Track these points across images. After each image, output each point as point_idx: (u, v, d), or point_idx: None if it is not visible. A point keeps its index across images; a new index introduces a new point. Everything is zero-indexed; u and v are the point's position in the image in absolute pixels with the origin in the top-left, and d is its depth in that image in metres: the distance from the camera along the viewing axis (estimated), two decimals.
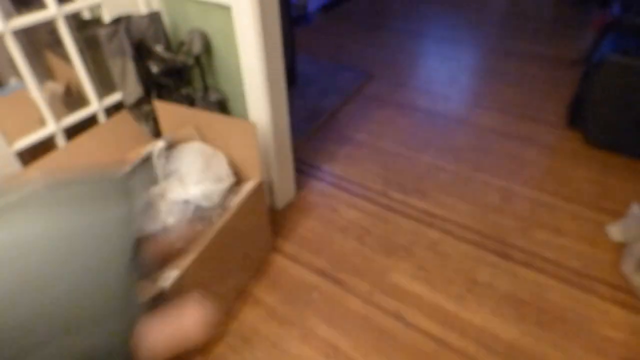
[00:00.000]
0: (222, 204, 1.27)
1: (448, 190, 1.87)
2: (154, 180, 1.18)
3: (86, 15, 1.47)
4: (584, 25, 3.42)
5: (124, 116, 1.45)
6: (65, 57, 1.39)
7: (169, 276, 1.06)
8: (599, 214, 1.71)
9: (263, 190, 1.42)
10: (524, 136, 2.20)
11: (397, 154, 2.10)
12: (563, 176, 1.92)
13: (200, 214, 1.19)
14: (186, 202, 1.15)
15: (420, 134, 2.25)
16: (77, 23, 1.43)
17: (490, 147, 2.13)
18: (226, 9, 1.33)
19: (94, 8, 1.41)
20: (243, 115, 1.57)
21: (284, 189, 1.77)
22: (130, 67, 1.35)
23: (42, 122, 1.33)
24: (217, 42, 1.44)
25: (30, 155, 1.31)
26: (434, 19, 3.75)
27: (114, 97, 1.48)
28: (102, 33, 1.30)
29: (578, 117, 2.13)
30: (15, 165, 1.25)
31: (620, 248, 1.55)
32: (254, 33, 1.30)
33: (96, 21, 1.44)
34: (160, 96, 1.48)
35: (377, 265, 1.54)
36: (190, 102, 1.53)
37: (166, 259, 1.07)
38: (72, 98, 1.66)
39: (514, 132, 2.23)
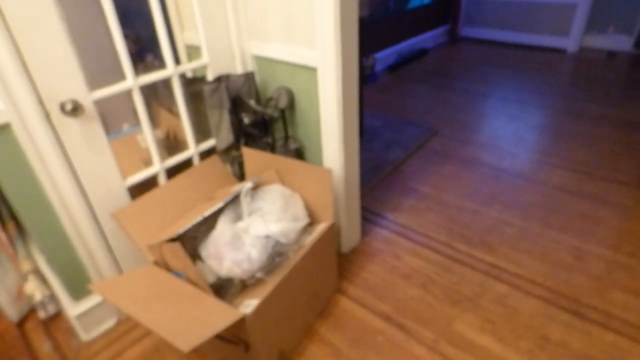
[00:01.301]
0: (298, 242, 1.37)
1: (515, 245, 1.85)
2: (240, 216, 1.32)
3: (190, 74, 1.73)
4: None
5: (214, 160, 1.65)
6: (167, 107, 1.65)
7: (250, 304, 1.16)
8: None
9: (334, 232, 1.52)
10: (596, 195, 2.14)
11: (462, 207, 2.13)
12: (639, 236, 1.84)
13: (278, 249, 1.31)
14: (267, 237, 1.27)
15: (485, 189, 2.26)
16: (184, 80, 1.70)
17: (559, 205, 2.10)
18: (312, 70, 1.52)
19: (200, 68, 1.67)
20: (317, 163, 1.72)
21: (351, 234, 1.86)
22: (226, 118, 1.57)
23: (147, 163, 1.56)
24: (300, 98, 1.63)
25: (136, 190, 1.52)
26: (498, 81, 3.83)
27: (208, 143, 1.69)
28: (206, 89, 1.54)
29: None
30: (126, 198, 1.46)
31: None
32: (335, 91, 1.47)
33: (200, 79, 1.69)
34: (247, 143, 1.68)
35: (442, 314, 1.54)
36: (272, 149, 1.71)
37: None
38: (170, 143, 1.92)
39: (585, 191, 2.18)
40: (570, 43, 4.44)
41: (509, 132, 2.86)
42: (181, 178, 1.55)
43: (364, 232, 1.99)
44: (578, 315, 1.50)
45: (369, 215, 2.11)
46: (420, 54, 4.59)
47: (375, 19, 3.97)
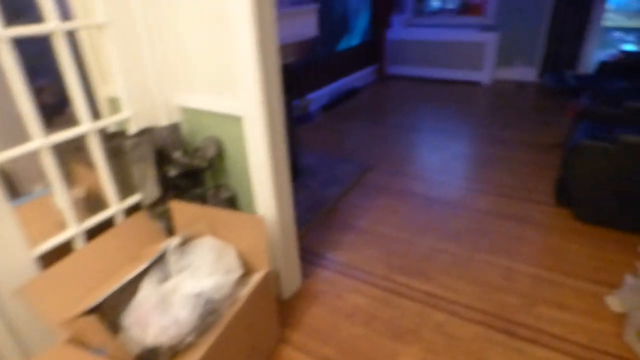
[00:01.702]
0: (232, 295, 1.33)
1: (450, 272, 1.92)
2: (168, 275, 1.26)
3: (114, 127, 1.68)
4: (561, 113, 3.73)
5: (141, 216, 1.58)
6: (87, 163, 1.57)
7: None
8: (598, 286, 1.74)
9: (271, 280, 1.49)
10: (519, 216, 2.30)
11: (398, 239, 2.19)
12: (559, 252, 1.98)
13: (211, 307, 1.25)
14: (198, 295, 1.22)
15: (419, 219, 2.35)
16: (104, 135, 1.63)
17: (487, 228, 2.22)
18: (238, 119, 1.53)
19: (125, 121, 1.62)
20: (251, 210, 1.70)
21: (290, 279, 1.83)
22: (151, 172, 1.52)
23: (63, 226, 1.46)
24: (229, 147, 1.63)
25: (50, 258, 1.41)
26: (424, 114, 4.09)
27: (133, 199, 1.62)
28: (127, 143, 1.49)
29: (565, 196, 2.25)
30: (34, 270, 1.33)
31: (621, 319, 1.56)
32: (262, 139, 1.48)
33: (121, 133, 1.64)
34: (176, 196, 1.63)
35: (386, 350, 1.54)
36: (203, 200, 1.68)
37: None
38: (92, 201, 1.81)
39: (508, 213, 2.34)
40: (484, 76, 4.88)
41: (437, 162, 3.03)
42: (103, 239, 1.46)
43: (305, 275, 1.97)
44: (511, 334, 1.56)
45: (309, 257, 2.10)
46: (352, 92, 4.80)
47: (307, 63, 4.13)
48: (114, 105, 1.72)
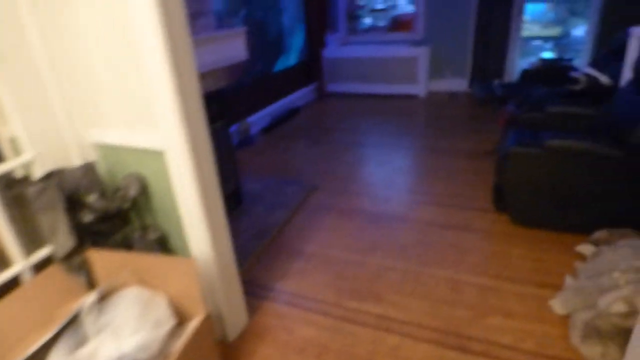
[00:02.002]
0: (164, 351, 1.19)
1: (400, 290, 1.88)
2: (82, 341, 1.11)
3: (20, 172, 1.49)
4: (492, 120, 3.91)
5: (54, 271, 1.40)
6: None
7: None
8: (541, 289, 1.78)
9: (209, 326, 1.36)
10: (461, 225, 2.33)
11: (347, 261, 2.13)
12: (501, 258, 2.02)
13: None
14: (120, 359, 1.08)
15: (367, 237, 2.32)
16: (6, 181, 1.44)
17: (432, 239, 2.23)
18: (159, 153, 1.41)
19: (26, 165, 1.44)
20: (185, 250, 1.57)
21: (235, 318, 1.70)
22: (62, 220, 1.35)
23: None
24: (153, 183, 1.50)
25: None
26: (365, 129, 4.13)
27: (43, 252, 1.44)
28: (30, 191, 1.32)
29: (501, 201, 2.31)
30: None
31: (566, 321, 1.59)
32: (187, 172, 1.37)
33: (25, 178, 1.46)
34: (96, 243, 1.47)
35: None
36: (128, 245, 1.52)
37: None
38: None
39: (451, 222, 2.36)
40: (419, 89, 5.05)
41: (381, 177, 3.04)
42: (6, 303, 1.27)
43: (252, 310, 1.85)
44: (464, 350, 1.53)
45: (256, 290, 1.99)
46: (293, 112, 4.77)
47: (242, 86, 4.05)
48: (16, 146, 1.54)
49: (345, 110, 4.85)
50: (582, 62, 4.47)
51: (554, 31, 8.04)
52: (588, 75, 2.53)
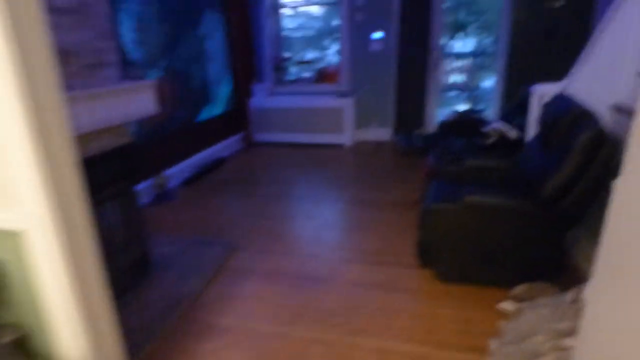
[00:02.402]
0: None
1: None
2: None
3: None
4: (415, 170, 4.00)
5: None
6: None
7: None
8: (469, 354, 1.69)
9: None
10: (387, 284, 2.23)
11: (268, 334, 1.91)
12: (429, 320, 1.92)
13: None
14: None
15: (291, 303, 2.12)
16: None
17: (359, 303, 2.09)
18: (18, 235, 1.15)
19: None
20: (51, 353, 1.27)
21: None
22: None
23: None
24: (10, 271, 1.21)
25: None
26: (293, 181, 4.02)
27: None
28: None
29: (426, 257, 2.26)
30: None
31: None
32: (53, 256, 1.12)
33: None
34: None
35: None
36: None
37: None
38: None
39: (377, 281, 2.26)
40: (345, 139, 5.12)
41: (307, 232, 2.90)
42: None
43: None
44: None
45: None
46: (218, 163, 4.57)
47: (160, 137, 3.80)
48: None
49: (272, 160, 4.75)
50: (492, 114, 4.83)
51: (473, 82, 8.79)
52: (497, 130, 2.67)
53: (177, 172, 4.02)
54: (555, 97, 2.15)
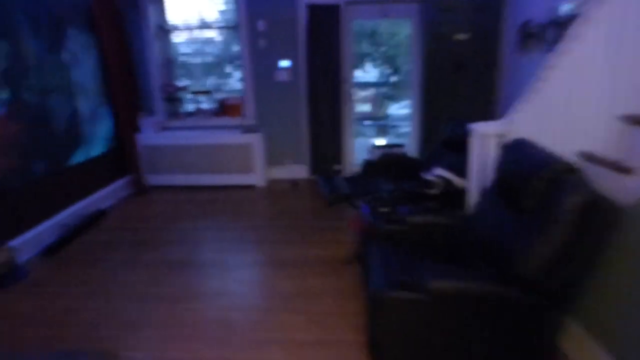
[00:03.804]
0: None
1: None
2: None
3: None
4: (341, 217, 3.51)
5: None
6: None
7: None
8: None
9: None
10: None
11: None
12: None
13: None
14: None
15: None
16: None
17: None
18: None
19: None
20: None
21: None
22: None
23: None
24: None
25: None
26: (196, 237, 3.26)
27: None
28: None
29: (379, 354, 1.73)
30: None
31: None
32: None
33: None
34: None
35: None
36: None
37: None
38: None
39: None
40: (256, 178, 4.49)
41: (213, 317, 2.20)
42: None
43: None
44: None
45: None
46: (96, 218, 3.60)
47: (5, 195, 2.79)
48: None
49: (168, 209, 3.92)
50: (413, 149, 4.62)
51: (380, 112, 8.83)
52: (442, 178, 2.32)
53: (32, 239, 3.00)
54: (516, 142, 1.82)
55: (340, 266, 2.69)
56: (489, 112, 4.38)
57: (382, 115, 9.12)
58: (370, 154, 3.61)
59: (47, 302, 2.38)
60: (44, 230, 3.13)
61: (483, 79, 4.33)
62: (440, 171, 2.36)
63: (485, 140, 2.30)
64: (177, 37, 4.75)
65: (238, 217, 3.64)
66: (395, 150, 4.03)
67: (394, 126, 9.39)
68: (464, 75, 4.34)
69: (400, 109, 9.38)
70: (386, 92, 9.55)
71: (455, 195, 2.41)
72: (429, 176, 2.36)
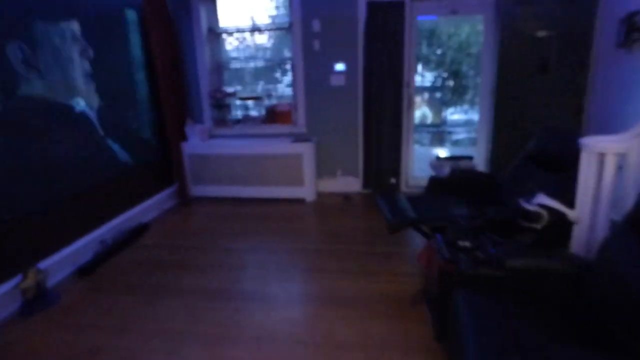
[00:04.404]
0: None
1: None
2: None
3: None
4: (405, 249, 3.03)
5: None
6: None
7: None
8: None
9: None
10: None
11: None
12: None
13: None
14: None
15: None
16: None
17: None
18: None
19: None
20: None
21: None
22: None
23: None
24: None
25: None
26: (241, 262, 2.93)
27: None
28: None
29: None
30: None
31: None
32: None
33: None
34: None
35: None
36: None
37: None
38: None
39: None
40: (306, 192, 4.12)
41: None
42: None
43: None
44: None
45: None
46: (137, 232, 3.38)
47: (27, 211, 2.60)
48: None
49: (213, 224, 3.63)
50: (481, 162, 4.06)
51: (437, 118, 8.26)
52: (548, 209, 1.81)
53: (67, 257, 2.79)
54: None
55: (406, 307, 2.23)
56: (576, 121, 3.73)
57: (439, 122, 8.51)
58: (436, 169, 3.12)
59: (73, 337, 2.11)
60: (81, 247, 2.93)
61: (571, 82, 3.69)
62: (544, 199, 1.84)
63: (601, 159, 1.76)
64: (228, 42, 4.51)
65: (286, 237, 3.28)
66: (463, 164, 3.50)
67: (449, 132, 8.74)
68: (547, 78, 3.73)
69: (455, 115, 8.73)
70: (441, 96, 8.92)
71: (555, 228, 1.89)
72: (530, 205, 1.85)
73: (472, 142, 8.69)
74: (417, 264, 2.29)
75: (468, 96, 9.04)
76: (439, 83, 9.05)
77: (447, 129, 8.71)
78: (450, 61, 8.70)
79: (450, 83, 8.93)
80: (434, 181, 2.94)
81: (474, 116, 8.91)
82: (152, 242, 3.30)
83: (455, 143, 8.94)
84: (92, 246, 3.01)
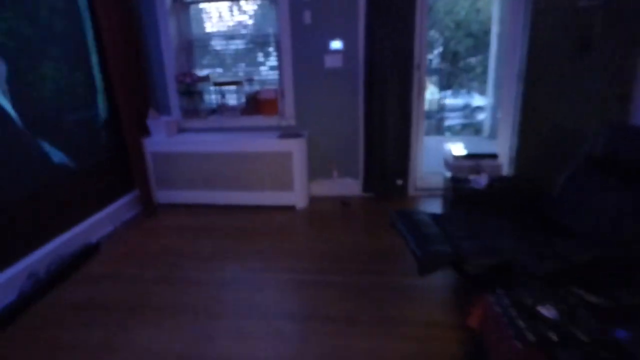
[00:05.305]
0: None
1: None
2: None
3: None
4: (430, 288, 2.35)
5: None
6: None
7: None
8: None
9: None
10: None
11: None
12: None
13: None
14: None
15: None
16: None
17: None
18: None
19: None
20: None
21: None
22: None
23: None
24: None
25: None
26: (219, 302, 2.23)
27: None
28: None
29: None
30: None
31: None
32: None
33: None
34: None
35: None
36: None
37: None
38: None
39: None
40: (297, 197, 3.42)
41: None
42: None
43: None
44: None
45: None
46: (83, 256, 2.65)
47: None
48: None
49: (181, 242, 2.91)
50: (506, 161, 3.40)
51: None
52: None
53: None
54: None
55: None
56: (622, 110, 3.10)
57: (438, 108, 7.85)
58: (472, 180, 2.44)
59: None
60: (5, 283, 2.19)
61: (619, 63, 3.04)
62: None
63: None
64: (201, 16, 3.70)
65: (273, 263, 2.59)
66: (489, 163, 2.85)
67: (441, 119, 8.15)
68: (591, 58, 3.06)
69: (449, 99, 8.10)
70: (440, 80, 8.26)
71: None
72: None
73: (464, 128, 8.09)
74: (469, 325, 1.63)
75: (468, 79, 8.39)
76: (436, 65, 8.36)
77: (444, 115, 8.08)
78: (449, 41, 7.98)
79: (444, 65, 8.26)
80: (463, 193, 2.27)
81: (470, 100, 8.28)
82: (101, 271, 2.57)
83: (449, 129, 8.32)
84: (15, 283, 2.27)
